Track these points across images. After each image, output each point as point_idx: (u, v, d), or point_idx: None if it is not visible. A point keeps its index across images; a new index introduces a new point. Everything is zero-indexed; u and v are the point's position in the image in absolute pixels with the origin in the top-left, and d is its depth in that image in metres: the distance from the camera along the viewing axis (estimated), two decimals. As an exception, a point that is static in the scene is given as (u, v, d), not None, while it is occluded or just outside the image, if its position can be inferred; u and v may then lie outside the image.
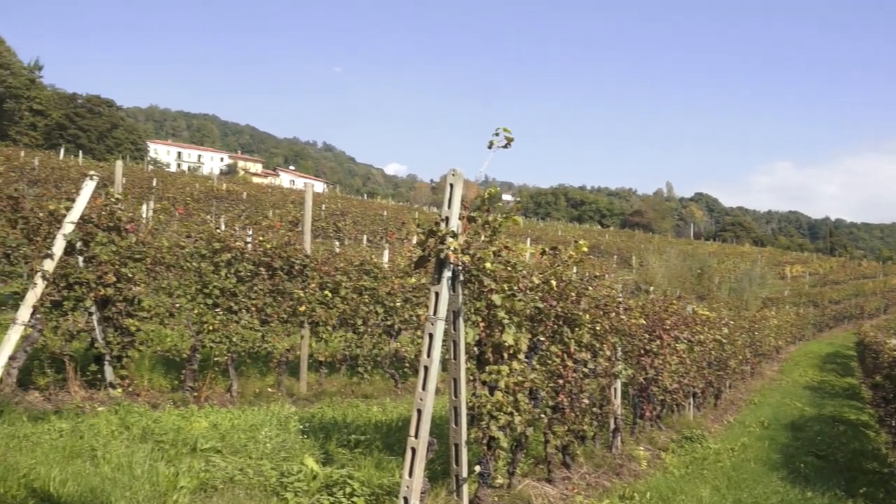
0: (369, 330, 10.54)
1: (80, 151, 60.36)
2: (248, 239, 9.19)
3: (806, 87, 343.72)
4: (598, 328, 7.27)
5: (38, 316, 6.74)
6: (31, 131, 69.34)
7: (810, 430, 13.59)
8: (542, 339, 6.18)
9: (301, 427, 7.05)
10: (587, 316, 6.88)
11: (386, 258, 14.72)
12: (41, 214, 7.49)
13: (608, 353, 7.76)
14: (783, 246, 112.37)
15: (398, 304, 11.00)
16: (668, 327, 9.95)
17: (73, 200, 7.09)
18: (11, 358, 6.57)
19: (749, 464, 9.93)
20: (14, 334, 6.59)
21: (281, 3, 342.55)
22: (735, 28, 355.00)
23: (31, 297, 6.70)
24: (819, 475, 9.76)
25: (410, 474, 4.53)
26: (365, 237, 37.93)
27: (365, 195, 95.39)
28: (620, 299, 8.78)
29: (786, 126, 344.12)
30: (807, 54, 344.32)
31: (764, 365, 23.40)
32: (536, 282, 5.89)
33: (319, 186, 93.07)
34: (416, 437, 4.57)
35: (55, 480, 4.47)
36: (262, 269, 8.82)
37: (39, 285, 6.74)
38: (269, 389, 9.19)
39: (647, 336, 9.38)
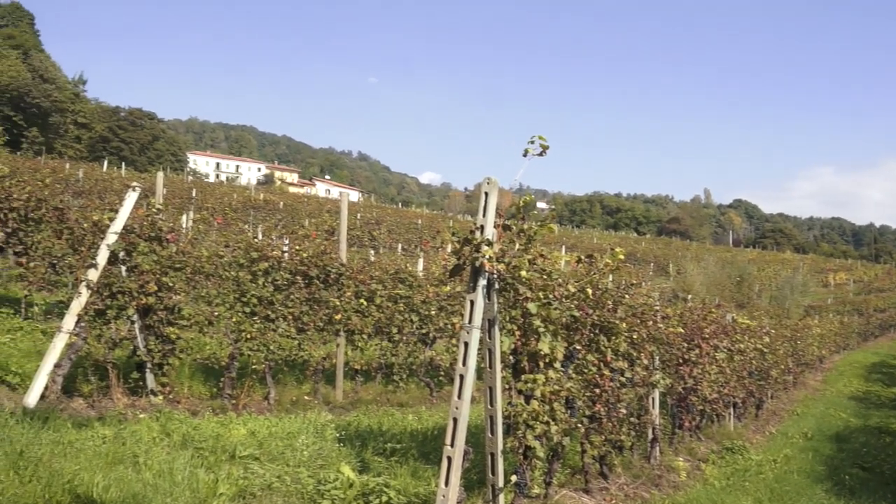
0: (404, 338, 10.57)
1: (123, 163, 61.81)
2: (285, 248, 9.30)
3: (848, 90, 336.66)
4: (635, 337, 7.19)
5: (83, 324, 6.90)
6: (76, 144, 71.26)
7: (855, 442, 13.23)
8: (578, 347, 6.13)
9: (337, 435, 7.09)
10: (624, 324, 6.81)
11: (421, 266, 14.76)
12: (86, 225, 7.70)
13: (646, 362, 7.67)
14: (826, 253, 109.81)
15: (433, 312, 11.02)
16: (707, 336, 9.79)
17: (117, 211, 7.25)
18: (57, 365, 6.72)
19: (792, 476, 9.70)
20: (59, 342, 6.76)
21: (316, 15, 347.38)
22: (773, 30, 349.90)
23: (76, 305, 6.86)
24: (865, 488, 9.50)
25: (446, 483, 4.52)
26: (400, 246, 38.12)
27: (399, 204, 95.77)
28: (658, 308, 8.67)
29: (827, 130, 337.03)
30: (848, 55, 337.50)
31: (807, 375, 22.86)
32: (572, 290, 5.85)
33: (354, 195, 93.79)
34: (451, 445, 4.56)
35: (98, 486, 4.56)
36: (298, 277, 8.91)
37: (84, 294, 6.90)
38: (306, 397, 9.27)
39: (686, 345, 9.24)
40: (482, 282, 4.74)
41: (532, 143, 4.83)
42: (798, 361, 20.03)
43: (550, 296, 5.26)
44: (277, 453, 6.20)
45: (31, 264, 10.29)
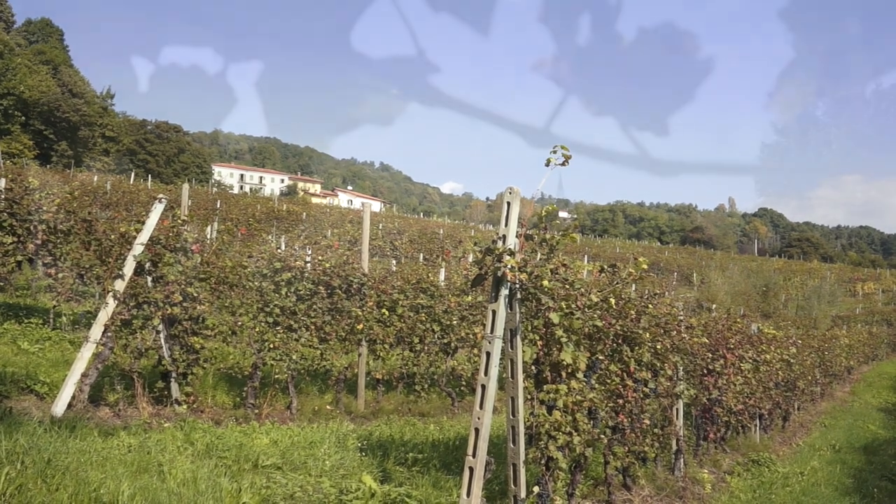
0: (426, 348, 10.57)
1: (149, 175, 62.79)
2: (308, 258, 9.36)
3: (873, 96, 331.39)
4: (658, 347, 7.13)
5: (109, 334, 6.99)
6: (104, 157, 72.39)
7: (884, 454, 12.96)
8: (600, 357, 6.10)
9: (359, 445, 7.10)
10: (647, 334, 6.76)
11: (442, 276, 14.75)
12: (113, 237, 7.81)
13: (669, 372, 7.59)
14: (854, 262, 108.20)
15: (455, 322, 11.01)
16: (732, 346, 9.68)
17: (143, 223, 7.36)
18: (84, 375, 6.82)
19: (819, 488, 9.53)
20: (87, 352, 6.86)
21: (339, 28, 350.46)
22: (796, 35, 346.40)
23: (103, 315, 6.96)
24: (893, 501, 9.31)
25: (468, 494, 4.51)
26: (421, 255, 38.17)
27: (421, 214, 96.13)
28: (682, 317, 8.59)
29: (854, 138, 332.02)
30: (872, 61, 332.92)
31: (835, 386, 22.48)
32: (595, 300, 5.82)
33: (377, 206, 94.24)
34: (473, 456, 4.56)
35: (124, 495, 4.60)
36: (321, 287, 8.96)
37: (111, 304, 7.00)
38: (328, 407, 9.30)
39: (710, 355, 9.14)
40: (504, 291, 4.74)
41: (554, 152, 4.83)
42: (826, 372, 19.72)
43: (573, 306, 5.25)
44: (300, 463, 6.22)
45: (60, 275, 10.45)
